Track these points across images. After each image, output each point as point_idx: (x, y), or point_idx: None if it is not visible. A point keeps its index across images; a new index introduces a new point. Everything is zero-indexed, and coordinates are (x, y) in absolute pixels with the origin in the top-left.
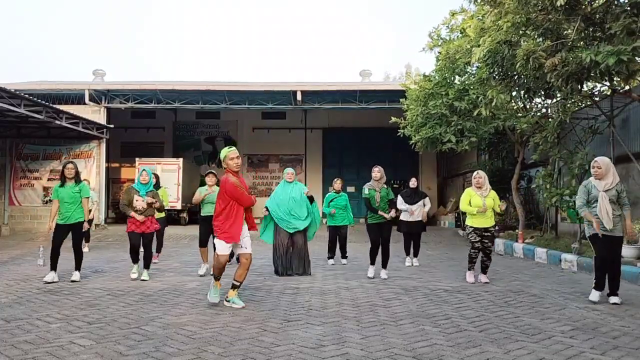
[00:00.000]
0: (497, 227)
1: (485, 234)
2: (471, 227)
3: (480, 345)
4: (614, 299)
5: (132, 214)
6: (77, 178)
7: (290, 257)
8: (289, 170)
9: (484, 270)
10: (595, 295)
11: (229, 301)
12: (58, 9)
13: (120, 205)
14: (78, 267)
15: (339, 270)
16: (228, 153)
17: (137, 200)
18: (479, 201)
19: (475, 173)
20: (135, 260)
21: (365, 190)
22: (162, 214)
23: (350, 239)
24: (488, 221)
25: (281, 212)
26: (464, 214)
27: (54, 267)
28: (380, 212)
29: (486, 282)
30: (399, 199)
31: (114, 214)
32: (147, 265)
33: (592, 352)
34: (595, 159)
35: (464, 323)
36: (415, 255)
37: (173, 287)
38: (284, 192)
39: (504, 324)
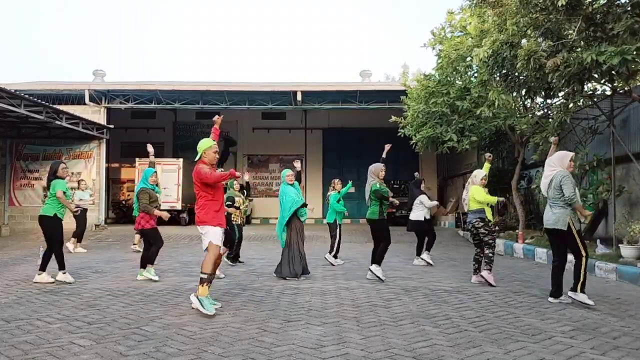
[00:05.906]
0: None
1: None
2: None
3: (481, 345)
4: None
5: (158, 212)
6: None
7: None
8: (288, 171)
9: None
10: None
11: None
12: (58, 9)
13: (144, 206)
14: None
15: (339, 271)
16: (213, 145)
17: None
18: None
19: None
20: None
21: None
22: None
23: (350, 239)
24: None
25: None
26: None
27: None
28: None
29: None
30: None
31: (114, 214)
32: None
33: (592, 352)
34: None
35: (464, 323)
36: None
37: (173, 287)
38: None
39: (504, 324)
